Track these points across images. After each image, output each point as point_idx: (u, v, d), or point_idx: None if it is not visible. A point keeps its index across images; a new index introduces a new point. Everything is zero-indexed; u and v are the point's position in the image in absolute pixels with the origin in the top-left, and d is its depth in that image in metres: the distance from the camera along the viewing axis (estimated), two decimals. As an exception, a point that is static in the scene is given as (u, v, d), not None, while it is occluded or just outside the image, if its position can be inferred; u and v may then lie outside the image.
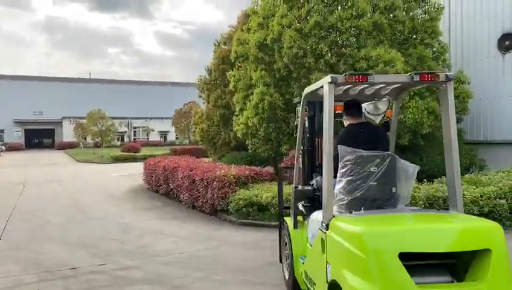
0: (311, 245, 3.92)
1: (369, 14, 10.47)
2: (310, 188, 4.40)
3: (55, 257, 6.26)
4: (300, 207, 4.47)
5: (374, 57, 9.84)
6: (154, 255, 6.33)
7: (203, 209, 9.54)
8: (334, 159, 3.45)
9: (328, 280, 3.26)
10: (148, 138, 63.15)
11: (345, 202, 3.53)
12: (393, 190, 3.63)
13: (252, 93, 11.92)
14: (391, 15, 10.67)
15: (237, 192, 8.90)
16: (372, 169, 3.57)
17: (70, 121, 57.49)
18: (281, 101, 11.33)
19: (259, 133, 11.94)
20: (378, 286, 2.68)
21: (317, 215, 3.82)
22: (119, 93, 67.93)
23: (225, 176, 9.13)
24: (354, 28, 10.31)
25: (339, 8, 10.70)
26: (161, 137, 65.14)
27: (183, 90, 63.38)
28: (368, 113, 4.36)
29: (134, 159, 29.43)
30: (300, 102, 4.44)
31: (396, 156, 3.72)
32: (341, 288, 2.94)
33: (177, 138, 60.82)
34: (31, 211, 10.37)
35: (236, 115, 13.20)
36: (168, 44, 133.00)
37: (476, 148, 11.75)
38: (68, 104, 61.97)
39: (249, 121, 11.92)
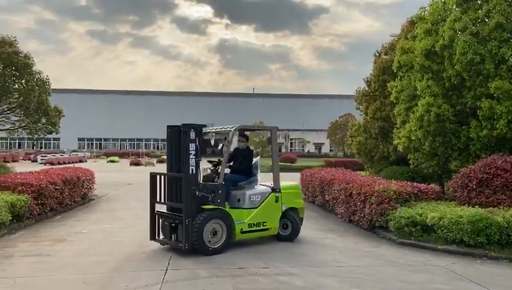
0: (254, 207, 7.49)
1: None
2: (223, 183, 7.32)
3: (224, 256, 6.87)
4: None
5: None
6: (313, 265, 6.41)
7: (360, 224, 9.27)
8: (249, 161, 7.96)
9: (283, 210, 7.87)
10: (303, 149, 64.92)
11: (258, 182, 7.91)
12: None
13: (416, 105, 11.15)
14: None
15: (398, 209, 8.39)
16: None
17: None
18: (451, 113, 10.29)
19: (423, 147, 11.07)
20: (302, 200, 8.57)
21: (251, 192, 7.60)
22: (277, 106, 71.83)
23: (384, 191, 8.70)
24: (548, 26, 8.77)
25: (528, 5, 9.25)
26: (316, 149, 66.19)
27: (339, 102, 63.36)
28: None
29: (291, 169, 30.54)
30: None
31: None
32: (291, 209, 8.06)
33: (331, 150, 60.98)
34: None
35: (397, 128, 12.53)
36: (325, 57, 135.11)
37: None
38: (235, 116, 68.35)
39: (411, 134, 11.17)
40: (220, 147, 7.52)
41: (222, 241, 7.01)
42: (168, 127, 7.41)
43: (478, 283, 5.63)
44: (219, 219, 6.99)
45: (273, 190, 7.81)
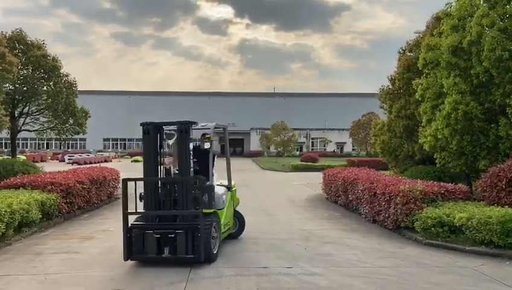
0: (223, 208, 7.16)
1: None
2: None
3: (248, 255, 6.94)
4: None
5: None
6: (337, 265, 6.36)
7: (385, 224, 9.15)
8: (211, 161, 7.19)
9: (235, 207, 7.99)
10: (325, 149, 64.47)
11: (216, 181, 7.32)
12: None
13: (443, 103, 10.91)
14: None
15: (424, 209, 8.23)
16: None
17: (257, 131, 63.34)
18: (479, 111, 10.04)
19: (450, 146, 10.82)
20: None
21: (220, 192, 7.27)
22: (299, 106, 71.45)
23: (410, 191, 8.55)
24: None
25: (560, -2, 8.93)
26: (338, 148, 65.61)
27: (361, 101, 62.54)
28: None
29: (312, 169, 30.36)
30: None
31: None
32: (236, 203, 8.20)
33: (353, 150, 60.30)
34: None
35: (423, 126, 12.28)
36: (347, 55, 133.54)
37: None
38: (255, 116, 68.45)
39: (438, 133, 10.93)
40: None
41: (217, 245, 6.57)
42: (144, 124, 6.35)
43: (508, 284, 5.48)
44: (215, 223, 6.58)
45: (228, 188, 7.79)
